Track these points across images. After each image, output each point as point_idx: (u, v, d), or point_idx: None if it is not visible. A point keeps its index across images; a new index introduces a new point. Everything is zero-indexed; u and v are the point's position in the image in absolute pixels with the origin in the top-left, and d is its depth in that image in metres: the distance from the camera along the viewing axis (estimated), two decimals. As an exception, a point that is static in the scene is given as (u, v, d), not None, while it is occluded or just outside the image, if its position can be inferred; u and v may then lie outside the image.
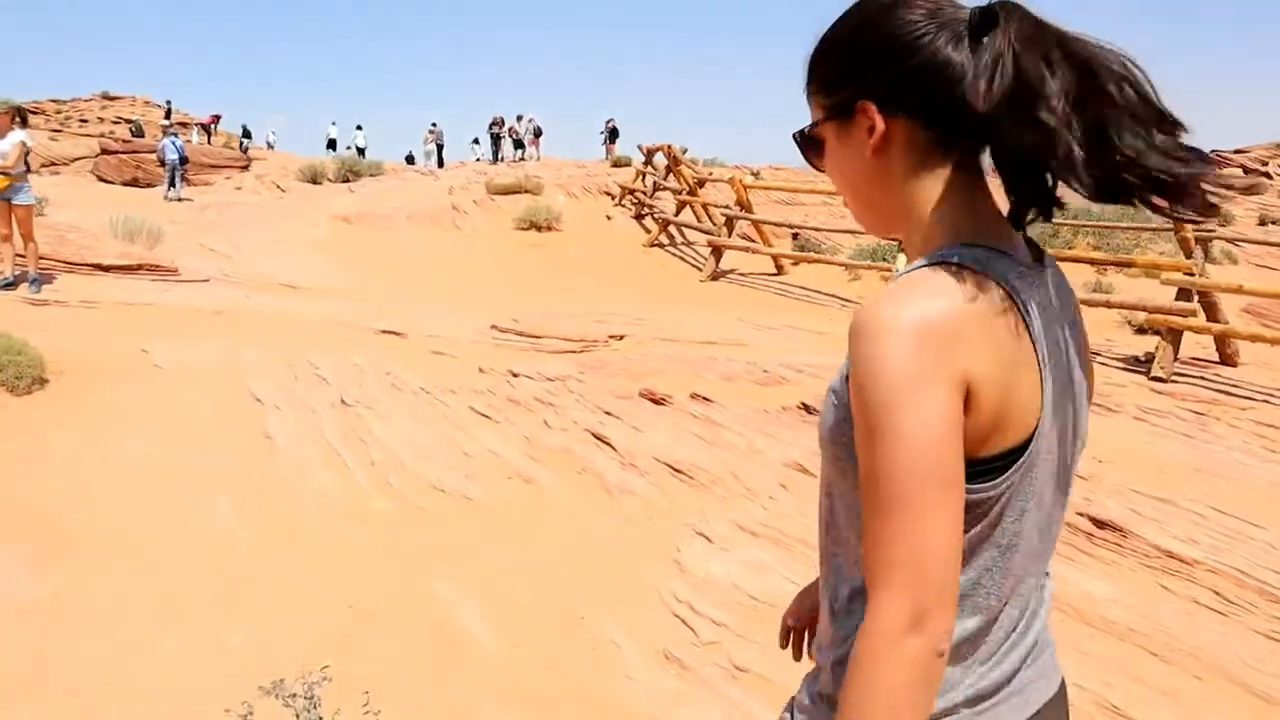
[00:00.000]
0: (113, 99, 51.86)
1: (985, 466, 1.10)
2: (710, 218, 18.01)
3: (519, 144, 34.05)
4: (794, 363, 8.80)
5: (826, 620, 1.27)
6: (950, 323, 1.05)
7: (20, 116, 10.09)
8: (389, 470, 5.72)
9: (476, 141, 38.02)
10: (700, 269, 16.66)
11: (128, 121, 38.72)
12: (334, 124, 38.73)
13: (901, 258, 13.20)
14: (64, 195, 20.38)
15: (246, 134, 36.59)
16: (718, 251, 15.88)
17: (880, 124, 1.17)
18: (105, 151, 30.67)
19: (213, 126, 37.03)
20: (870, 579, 1.06)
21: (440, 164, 35.09)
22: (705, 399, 7.04)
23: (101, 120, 46.66)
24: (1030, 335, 1.11)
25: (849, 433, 1.12)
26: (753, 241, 16.65)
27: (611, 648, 3.93)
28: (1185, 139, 1.09)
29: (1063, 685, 1.30)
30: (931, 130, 1.17)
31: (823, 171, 1.29)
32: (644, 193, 21.25)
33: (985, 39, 1.11)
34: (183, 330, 8.96)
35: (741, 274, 16.01)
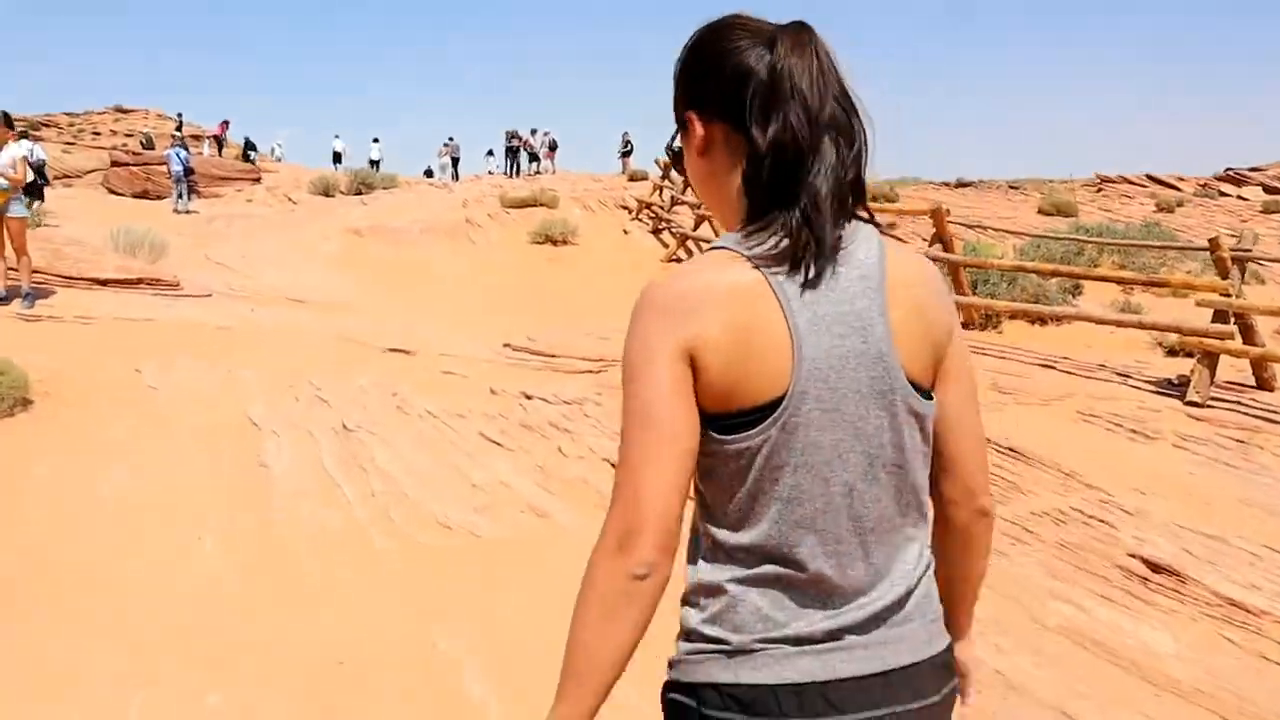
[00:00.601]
0: (126, 112, 51.84)
1: (735, 421, 1.24)
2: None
3: (534, 157, 33.73)
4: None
5: None
6: (683, 301, 1.23)
7: (8, 124, 9.75)
8: (391, 503, 5.36)
9: (490, 153, 37.65)
10: (716, 285, 16.34)
11: (141, 134, 38.53)
12: (338, 137, 38.49)
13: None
14: (72, 208, 20.11)
15: (250, 146, 36.35)
16: (735, 267, 15.54)
17: (699, 129, 1.35)
18: (115, 164, 30.40)
19: (224, 136, 36.77)
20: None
21: (455, 177, 34.85)
22: (726, 425, 6.68)
23: (114, 133, 46.56)
24: (783, 310, 1.23)
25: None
26: (770, 257, 16.31)
27: (635, 717, 3.55)
28: None
29: (930, 661, 1.34)
30: (740, 132, 1.30)
31: (681, 170, 1.44)
32: (661, 206, 20.87)
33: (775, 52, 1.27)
34: (181, 348, 8.64)
35: (759, 290, 15.68)
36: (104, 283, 10.67)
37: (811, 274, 1.24)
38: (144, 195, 27.91)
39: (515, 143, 33.31)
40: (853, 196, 1.30)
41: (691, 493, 1.31)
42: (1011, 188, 38.74)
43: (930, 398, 1.35)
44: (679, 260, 18.41)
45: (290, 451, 6.05)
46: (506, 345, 9.39)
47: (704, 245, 18.63)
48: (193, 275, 13.38)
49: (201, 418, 6.72)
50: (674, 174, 22.20)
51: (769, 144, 1.25)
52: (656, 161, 23.16)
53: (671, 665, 1.35)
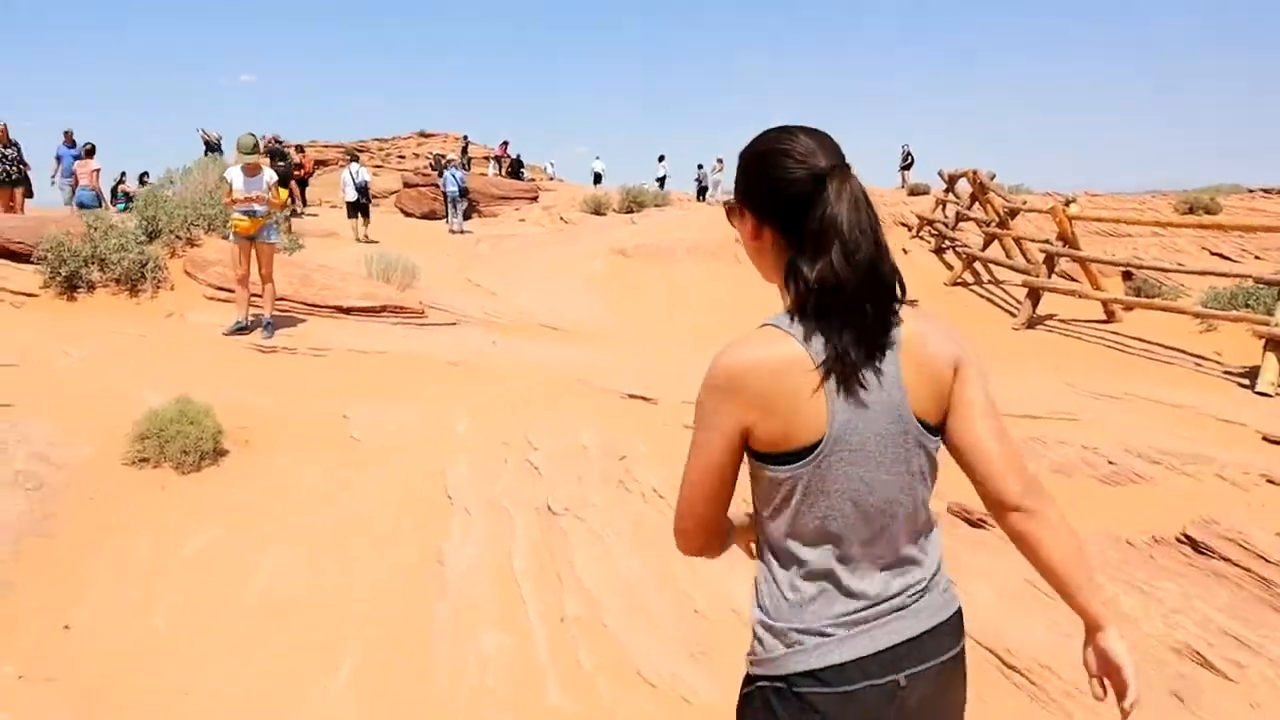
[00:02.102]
0: (428, 136, 54.23)
1: (783, 458, 1.61)
2: (1024, 253, 15.35)
3: None
4: (1147, 449, 6.43)
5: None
6: (743, 370, 1.60)
7: (258, 149, 9.19)
8: (583, 635, 3.94)
9: None
10: (1012, 313, 14.05)
11: (432, 156, 39.79)
12: (598, 158, 38.46)
13: None
14: (349, 227, 20.35)
15: (518, 164, 36.45)
16: (1034, 294, 13.19)
17: (752, 224, 1.72)
18: (407, 185, 31.22)
19: (504, 156, 37.20)
20: None
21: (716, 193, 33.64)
22: (1042, 523, 4.85)
23: (417, 156, 48.67)
24: (822, 379, 1.58)
25: None
26: (1075, 282, 13.90)
27: None
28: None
29: (940, 626, 1.69)
30: (787, 236, 1.66)
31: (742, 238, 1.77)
32: (945, 224, 18.73)
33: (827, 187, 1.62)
34: (402, 387, 7.69)
35: (1062, 320, 13.26)
36: (347, 311, 9.99)
37: (850, 352, 1.60)
38: (430, 215, 28.35)
39: None
40: (887, 309, 1.65)
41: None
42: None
43: (936, 432, 1.70)
44: (964, 284, 16.25)
45: (477, 541, 4.79)
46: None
47: (992, 267, 16.41)
48: (449, 299, 12.69)
49: (393, 481, 5.62)
50: (958, 188, 20.11)
51: (816, 278, 1.59)
52: (940, 174, 20.99)
53: (753, 663, 1.71)
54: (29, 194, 16.23)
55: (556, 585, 4.34)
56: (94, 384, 7.33)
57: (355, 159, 21.34)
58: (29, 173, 16.19)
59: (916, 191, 25.85)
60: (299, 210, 23.07)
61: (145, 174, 23.90)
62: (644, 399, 7.61)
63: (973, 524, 5.08)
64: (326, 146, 47.74)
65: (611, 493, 5.32)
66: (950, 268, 17.17)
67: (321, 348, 8.77)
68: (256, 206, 9.01)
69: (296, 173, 23.04)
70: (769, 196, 1.65)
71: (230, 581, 4.45)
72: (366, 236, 19.54)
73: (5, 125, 15.61)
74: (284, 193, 17.71)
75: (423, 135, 54.89)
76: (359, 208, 19.80)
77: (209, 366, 8.05)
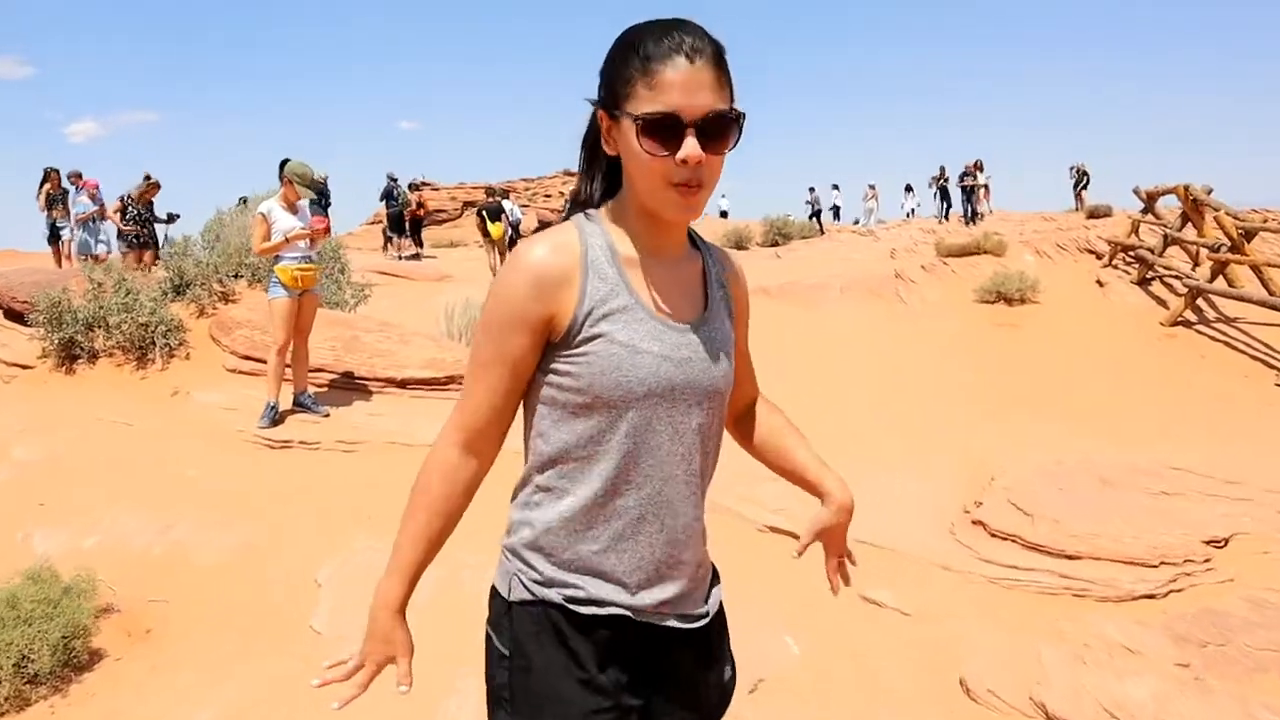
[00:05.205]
0: (573, 175, 52.64)
1: None
2: (1266, 284, 11.83)
3: (968, 193, 27.21)
4: None
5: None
6: None
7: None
8: None
9: (909, 189, 31.17)
10: (1268, 364, 10.57)
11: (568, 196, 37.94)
12: (724, 196, 35.58)
13: None
14: (469, 270, 18.17)
15: None
16: (1304, 340, 9.81)
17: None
18: (542, 224, 29.37)
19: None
20: None
21: (877, 224, 30.20)
22: None
23: (562, 194, 47.31)
24: None
25: None
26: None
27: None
28: None
29: None
30: None
31: (721, 154, 1.35)
32: (1148, 250, 15.16)
33: None
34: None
35: (1341, 374, 9.78)
36: (402, 384, 7.47)
37: None
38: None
39: (971, 181, 26.65)
40: None
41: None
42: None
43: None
44: (1187, 324, 12.75)
45: None
46: (978, 522, 4.92)
47: (1218, 302, 12.87)
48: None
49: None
50: (1160, 206, 16.59)
51: None
52: (1136, 192, 17.42)
53: None
54: (156, 257, 13.63)
55: None
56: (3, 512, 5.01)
57: (505, 196, 19.91)
58: (159, 230, 13.75)
59: (1097, 214, 22.10)
60: (418, 253, 21.02)
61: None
62: (789, 534, 4.80)
63: None
64: (474, 188, 46.71)
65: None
66: (1163, 304, 13.66)
67: (353, 440, 6.25)
68: (310, 252, 6.59)
69: (411, 212, 20.89)
70: None
71: None
72: None
73: (157, 184, 13.42)
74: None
75: (567, 174, 53.49)
76: (510, 244, 18.94)
77: (187, 476, 5.64)
